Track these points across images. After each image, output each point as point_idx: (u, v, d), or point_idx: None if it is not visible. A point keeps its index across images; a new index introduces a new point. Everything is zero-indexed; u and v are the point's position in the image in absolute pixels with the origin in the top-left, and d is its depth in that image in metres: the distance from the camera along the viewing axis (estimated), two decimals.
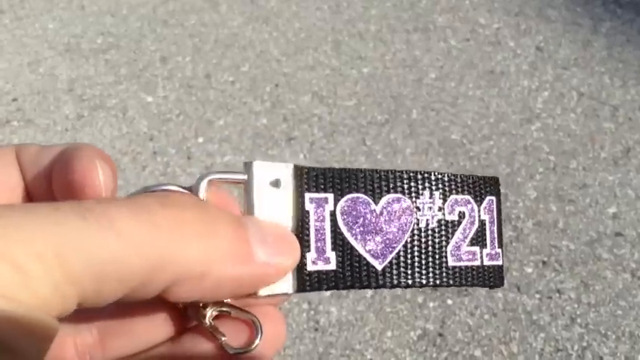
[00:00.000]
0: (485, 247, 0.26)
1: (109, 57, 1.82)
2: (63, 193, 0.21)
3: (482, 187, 0.26)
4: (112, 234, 0.17)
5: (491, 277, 0.26)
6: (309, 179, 0.23)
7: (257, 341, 0.22)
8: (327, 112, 1.59)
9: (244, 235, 0.20)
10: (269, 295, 0.22)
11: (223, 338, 0.22)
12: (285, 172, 0.23)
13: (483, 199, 0.26)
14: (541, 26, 1.84)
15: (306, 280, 0.22)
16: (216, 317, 0.22)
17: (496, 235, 0.26)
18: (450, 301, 1.17)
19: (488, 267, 0.26)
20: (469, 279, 0.25)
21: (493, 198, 0.26)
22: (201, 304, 0.22)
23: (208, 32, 1.89)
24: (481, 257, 0.26)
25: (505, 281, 0.27)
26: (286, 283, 0.22)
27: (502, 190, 1.36)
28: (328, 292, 1.19)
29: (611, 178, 1.38)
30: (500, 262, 0.26)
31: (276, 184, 0.22)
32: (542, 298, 1.17)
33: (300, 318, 1.16)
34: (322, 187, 0.23)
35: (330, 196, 0.23)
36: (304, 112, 1.60)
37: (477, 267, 0.25)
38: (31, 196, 0.23)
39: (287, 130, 1.55)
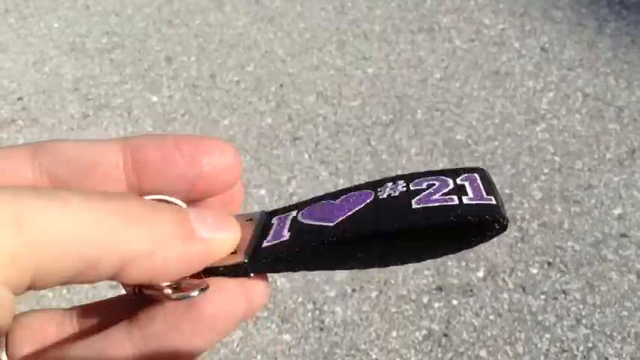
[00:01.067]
0: (466, 195, 0.21)
1: (114, 56, 1.83)
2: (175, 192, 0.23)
3: (458, 171, 0.23)
4: (68, 211, 0.19)
5: (478, 212, 0.21)
6: (277, 211, 0.24)
7: (196, 292, 0.21)
8: (331, 112, 1.59)
9: (185, 218, 0.21)
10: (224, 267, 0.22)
11: (166, 291, 0.21)
12: (260, 215, 0.25)
13: (459, 175, 0.22)
14: (546, 27, 1.83)
15: (261, 256, 0.22)
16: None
17: (483, 189, 0.21)
18: (455, 302, 1.17)
19: (472, 204, 0.21)
20: (442, 215, 0.21)
21: (474, 174, 0.22)
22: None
23: (213, 32, 1.90)
24: (460, 199, 0.21)
25: (506, 216, 0.21)
26: (239, 258, 0.22)
27: (507, 191, 1.36)
28: (333, 292, 1.20)
29: (616, 179, 1.38)
30: (491, 202, 0.21)
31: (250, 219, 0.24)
32: (548, 298, 1.17)
33: (305, 318, 1.16)
34: (288, 210, 0.24)
35: (295, 212, 0.24)
36: (309, 112, 1.60)
37: (454, 205, 0.21)
38: None
39: (292, 130, 1.55)
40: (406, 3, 1.97)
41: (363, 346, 1.12)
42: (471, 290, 1.19)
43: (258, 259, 0.22)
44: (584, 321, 1.13)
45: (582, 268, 1.21)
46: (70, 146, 0.23)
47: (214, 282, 0.22)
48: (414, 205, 0.21)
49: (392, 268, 1.22)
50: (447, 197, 0.21)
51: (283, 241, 0.22)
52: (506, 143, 1.48)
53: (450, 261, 1.24)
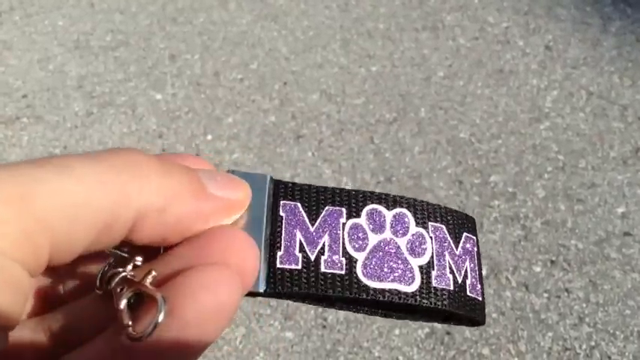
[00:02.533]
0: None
1: (119, 54, 1.83)
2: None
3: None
4: (73, 179, 0.18)
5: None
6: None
7: (150, 328, 0.19)
8: (335, 110, 1.60)
9: (195, 175, 0.21)
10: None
11: (128, 325, 0.19)
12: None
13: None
14: (550, 25, 1.83)
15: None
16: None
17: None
18: None
19: (471, 301, 0.25)
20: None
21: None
22: (119, 289, 0.20)
23: (217, 30, 1.90)
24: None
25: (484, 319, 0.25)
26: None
27: (510, 189, 1.36)
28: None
29: (620, 177, 1.38)
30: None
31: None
32: (551, 297, 1.17)
33: (308, 315, 1.16)
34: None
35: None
36: (313, 110, 1.60)
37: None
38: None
39: (295, 128, 1.55)
40: (410, 1, 1.97)
41: (365, 344, 1.12)
42: None
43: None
44: (587, 319, 1.13)
45: (585, 267, 1.21)
46: None
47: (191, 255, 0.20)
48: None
49: None
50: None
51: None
52: (509, 141, 1.47)
53: None
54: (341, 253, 0.23)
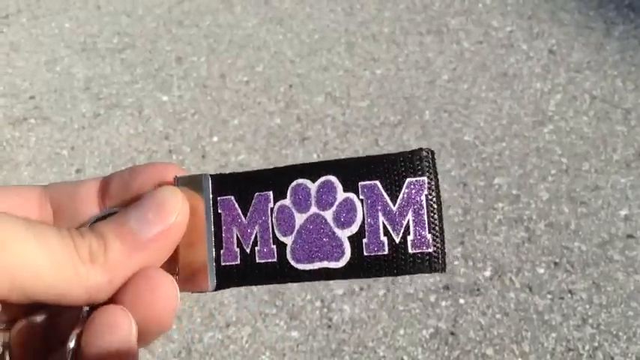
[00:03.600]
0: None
1: (125, 56, 1.85)
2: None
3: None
4: (45, 247, 0.21)
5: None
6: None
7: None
8: (340, 113, 1.61)
9: (128, 228, 0.23)
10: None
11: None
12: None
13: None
14: (554, 29, 1.84)
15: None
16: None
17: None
18: (462, 301, 1.18)
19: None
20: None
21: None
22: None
23: (223, 33, 1.91)
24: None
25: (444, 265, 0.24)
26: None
27: (514, 192, 1.37)
28: (341, 290, 1.21)
29: (623, 180, 1.39)
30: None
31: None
32: (554, 298, 1.18)
33: (314, 315, 1.17)
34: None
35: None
36: (318, 112, 1.61)
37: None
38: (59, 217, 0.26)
39: (301, 130, 1.57)
40: (415, 5, 1.99)
41: (370, 344, 1.13)
42: (478, 289, 1.20)
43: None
44: (590, 320, 1.14)
45: (589, 269, 1.22)
46: (62, 184, 0.27)
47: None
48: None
49: None
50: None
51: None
52: (513, 144, 1.49)
53: (457, 260, 1.25)
54: (272, 241, 0.25)
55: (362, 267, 0.24)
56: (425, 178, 0.24)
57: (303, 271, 0.24)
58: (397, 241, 0.24)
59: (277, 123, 1.59)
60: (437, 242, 0.24)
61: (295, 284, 1.22)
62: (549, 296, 1.18)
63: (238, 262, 0.25)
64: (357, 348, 1.12)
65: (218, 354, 1.12)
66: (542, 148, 1.47)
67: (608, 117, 1.55)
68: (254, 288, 1.21)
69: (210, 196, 0.25)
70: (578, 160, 1.44)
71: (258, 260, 0.25)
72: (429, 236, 0.24)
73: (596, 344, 1.10)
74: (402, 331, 1.14)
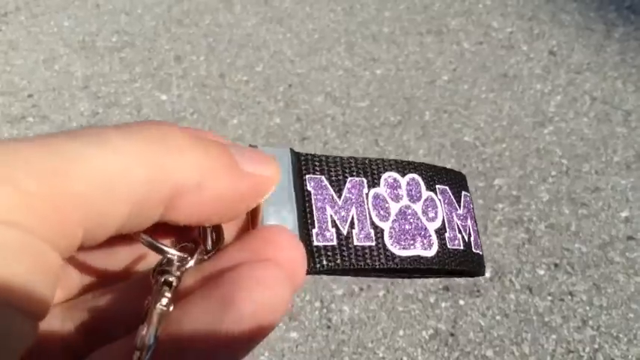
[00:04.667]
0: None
1: (124, 55, 1.84)
2: None
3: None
4: (108, 149, 0.17)
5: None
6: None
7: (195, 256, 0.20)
8: (340, 113, 1.60)
9: (228, 150, 0.20)
10: None
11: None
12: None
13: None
14: (554, 31, 1.84)
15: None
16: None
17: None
18: (462, 302, 1.18)
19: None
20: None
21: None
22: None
23: (223, 32, 1.91)
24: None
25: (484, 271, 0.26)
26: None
27: (514, 193, 1.37)
28: (340, 291, 1.20)
29: (623, 182, 1.39)
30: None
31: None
32: (554, 300, 1.17)
33: (313, 316, 1.17)
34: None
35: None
36: (317, 112, 1.61)
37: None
38: None
39: (300, 130, 1.56)
40: (415, 5, 1.98)
41: (369, 345, 1.13)
42: (478, 291, 1.19)
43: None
44: (590, 322, 1.14)
45: (589, 270, 1.22)
46: None
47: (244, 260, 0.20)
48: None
49: None
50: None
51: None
52: (513, 145, 1.48)
53: None
54: (369, 225, 0.24)
55: (447, 258, 0.25)
56: (469, 194, 0.27)
57: (399, 256, 0.24)
58: (467, 240, 0.26)
59: (277, 123, 1.59)
60: (482, 249, 0.27)
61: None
62: (549, 298, 1.18)
63: (335, 242, 0.23)
64: (356, 349, 1.12)
65: None
66: (542, 150, 1.47)
67: (608, 118, 1.55)
68: None
69: (296, 173, 0.24)
70: (579, 161, 1.44)
71: (356, 242, 0.24)
72: (479, 241, 0.26)
73: (596, 346, 1.10)
74: (401, 332, 1.14)
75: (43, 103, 1.68)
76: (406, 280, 1.22)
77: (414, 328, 1.14)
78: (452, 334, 1.13)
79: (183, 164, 0.18)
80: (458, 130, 1.53)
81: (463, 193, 0.27)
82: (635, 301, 1.16)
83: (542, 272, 1.22)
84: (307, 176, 0.24)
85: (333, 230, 0.24)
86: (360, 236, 0.24)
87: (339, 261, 0.23)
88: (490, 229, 1.30)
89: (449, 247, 0.25)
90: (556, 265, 1.23)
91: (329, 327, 1.15)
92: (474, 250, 0.26)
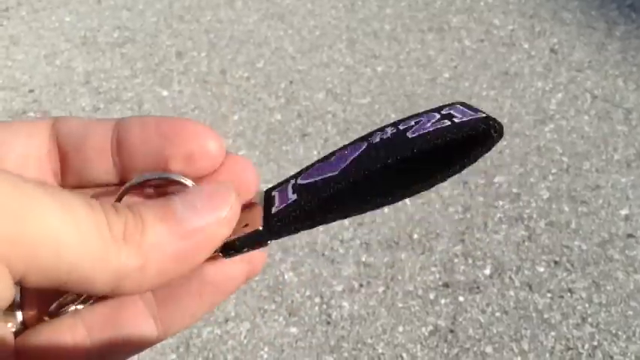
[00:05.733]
0: (456, 117, 0.22)
1: (125, 51, 1.84)
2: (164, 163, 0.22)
3: (442, 106, 0.23)
4: (70, 220, 0.18)
5: (474, 124, 0.21)
6: (275, 188, 0.25)
7: None
8: (341, 110, 1.60)
9: (171, 211, 0.20)
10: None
11: None
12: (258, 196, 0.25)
13: (442, 108, 0.23)
14: (556, 29, 1.84)
15: (274, 221, 0.22)
16: None
17: (469, 110, 0.22)
18: (461, 298, 1.18)
19: (464, 120, 0.22)
20: (440, 135, 0.21)
21: (457, 105, 0.23)
22: None
23: (224, 28, 1.91)
24: (452, 121, 0.22)
25: (499, 123, 0.22)
26: (253, 227, 0.22)
27: (515, 190, 1.37)
28: (340, 287, 1.20)
29: (623, 180, 1.39)
30: (481, 115, 0.22)
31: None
32: (554, 297, 1.17)
33: (313, 311, 1.17)
34: (286, 181, 0.25)
35: (292, 180, 0.24)
36: (318, 109, 1.61)
37: (448, 126, 0.22)
38: (67, 168, 0.23)
39: (301, 127, 1.56)
40: (416, 2, 1.98)
41: (369, 341, 1.13)
42: (478, 287, 1.20)
43: (272, 224, 0.22)
44: (589, 319, 1.14)
45: (588, 268, 1.22)
46: (76, 122, 0.23)
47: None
48: (410, 136, 0.22)
49: (399, 264, 1.23)
50: (438, 123, 0.22)
51: (291, 202, 0.22)
52: (514, 143, 1.48)
53: (457, 258, 1.24)
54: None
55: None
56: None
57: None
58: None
59: (278, 119, 1.59)
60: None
61: (295, 280, 1.22)
62: (549, 295, 1.18)
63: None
64: (355, 345, 1.12)
65: (216, 349, 1.12)
66: (542, 147, 1.47)
67: (609, 116, 1.55)
68: (253, 283, 1.21)
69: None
70: (579, 159, 1.44)
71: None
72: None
73: (595, 343, 1.10)
74: (401, 329, 1.14)
75: (44, 99, 1.68)
76: (406, 276, 1.22)
77: (414, 324, 1.15)
78: (451, 331, 1.13)
79: (126, 254, 0.19)
80: None
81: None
82: (634, 299, 1.16)
83: (541, 269, 1.22)
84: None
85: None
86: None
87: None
88: (490, 226, 1.30)
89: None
90: (556, 263, 1.23)
91: (328, 323, 1.15)
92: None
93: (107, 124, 0.23)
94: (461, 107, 0.23)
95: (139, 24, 1.94)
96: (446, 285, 1.20)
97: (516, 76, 1.68)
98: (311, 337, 1.13)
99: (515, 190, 1.37)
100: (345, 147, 0.24)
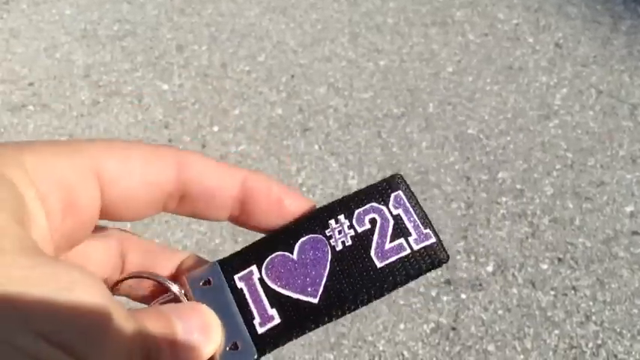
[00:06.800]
0: (410, 235, 0.26)
1: (126, 44, 1.82)
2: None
3: (383, 189, 0.27)
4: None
5: (428, 258, 0.25)
6: (232, 264, 0.26)
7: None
8: (342, 104, 1.59)
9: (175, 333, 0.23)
10: None
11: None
12: (213, 270, 0.26)
13: (389, 198, 0.26)
14: (560, 23, 1.82)
15: (263, 342, 0.25)
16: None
17: (417, 219, 0.26)
18: (463, 295, 1.16)
19: (421, 249, 0.25)
20: (404, 271, 0.25)
21: (399, 192, 0.26)
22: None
23: (225, 22, 1.89)
24: (409, 245, 0.25)
25: (448, 254, 0.26)
26: (247, 354, 0.25)
27: (518, 186, 1.35)
28: None
29: (629, 176, 1.37)
30: (432, 240, 0.26)
31: (208, 282, 0.26)
32: (557, 294, 1.16)
33: None
34: (245, 264, 0.26)
35: (254, 267, 0.26)
36: (320, 103, 1.59)
37: (408, 255, 0.25)
38: (185, 202, 0.26)
39: (302, 121, 1.54)
40: None
41: (370, 338, 1.11)
42: (480, 284, 1.18)
43: (263, 348, 0.25)
44: (593, 318, 1.12)
45: (593, 265, 1.20)
46: (203, 164, 0.25)
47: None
48: (379, 264, 0.25)
49: None
50: (397, 245, 0.25)
51: (277, 324, 0.25)
52: (518, 138, 1.46)
53: (460, 255, 1.23)
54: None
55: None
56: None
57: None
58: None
59: (279, 113, 1.57)
60: (435, 232, 0.26)
61: None
62: (552, 292, 1.16)
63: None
64: (356, 342, 1.11)
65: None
66: (547, 143, 1.45)
67: (614, 112, 1.53)
68: None
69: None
70: (584, 155, 1.42)
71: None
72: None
73: (599, 342, 1.09)
74: (402, 326, 1.13)
75: (43, 92, 1.66)
76: None
77: (415, 321, 1.13)
78: (453, 328, 1.12)
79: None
80: (462, 122, 1.52)
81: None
82: (639, 297, 1.15)
83: (545, 267, 1.20)
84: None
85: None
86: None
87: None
88: (493, 222, 1.28)
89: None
90: (559, 260, 1.22)
91: None
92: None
93: (236, 176, 0.26)
94: (406, 201, 0.26)
95: (139, 17, 1.92)
96: (448, 282, 1.19)
97: (520, 71, 1.66)
98: (311, 334, 1.12)
99: (518, 186, 1.35)
100: (302, 227, 0.26)
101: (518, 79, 1.63)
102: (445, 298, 1.16)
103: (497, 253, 1.23)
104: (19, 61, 1.76)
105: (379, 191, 0.26)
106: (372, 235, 0.26)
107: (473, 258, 1.22)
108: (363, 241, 0.26)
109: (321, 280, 0.25)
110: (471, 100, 1.57)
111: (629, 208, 1.30)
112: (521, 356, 1.07)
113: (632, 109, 1.53)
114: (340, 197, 0.27)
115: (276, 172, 1.41)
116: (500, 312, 1.14)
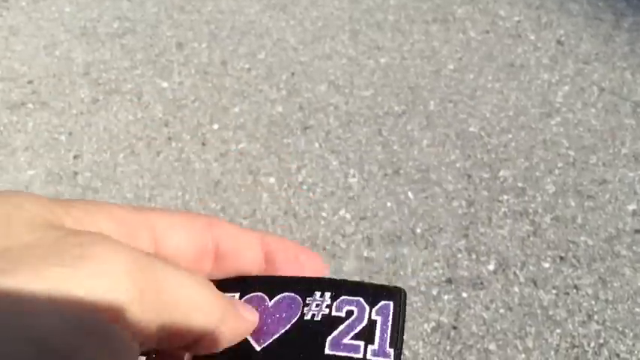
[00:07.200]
0: (372, 344, 0.25)
1: (125, 42, 1.82)
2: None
3: (379, 293, 0.26)
4: (194, 280, 0.23)
5: None
6: (224, 285, 0.27)
7: None
8: (343, 102, 1.58)
9: (234, 304, 0.25)
10: None
11: None
12: None
13: (377, 303, 0.26)
14: (562, 20, 1.81)
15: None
16: None
17: (389, 335, 0.25)
18: (464, 294, 1.16)
19: None
20: None
21: (390, 303, 0.26)
22: None
23: (225, 19, 1.88)
24: (364, 351, 0.25)
25: None
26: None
27: (520, 184, 1.34)
28: None
29: (631, 174, 1.36)
30: None
31: None
32: (559, 293, 1.15)
33: None
34: (231, 289, 0.27)
35: (237, 294, 0.27)
36: (320, 101, 1.59)
37: (358, 359, 0.25)
38: (218, 266, 0.27)
39: (303, 119, 1.54)
40: None
41: None
42: (481, 283, 1.17)
43: None
44: (595, 317, 1.11)
45: (595, 264, 1.20)
46: (232, 229, 0.27)
47: None
48: (327, 351, 0.25)
49: (401, 259, 1.21)
50: (355, 345, 0.25)
51: (214, 356, 0.25)
52: (520, 136, 1.46)
53: (461, 253, 1.22)
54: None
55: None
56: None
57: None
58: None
59: (279, 111, 1.56)
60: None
61: None
62: (554, 291, 1.15)
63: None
64: None
65: None
66: (548, 141, 1.44)
67: (616, 109, 1.52)
68: None
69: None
70: (586, 153, 1.41)
71: None
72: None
73: (601, 341, 1.08)
74: None
75: (43, 90, 1.65)
76: (409, 272, 1.20)
77: (416, 320, 1.13)
78: (454, 327, 1.11)
79: (222, 310, 0.23)
80: (463, 120, 1.51)
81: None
82: None
83: (547, 265, 1.20)
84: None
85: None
86: None
87: None
88: (494, 220, 1.28)
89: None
90: (561, 258, 1.21)
91: None
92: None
93: (255, 238, 0.27)
94: (391, 314, 0.26)
95: (139, 14, 1.92)
96: (449, 281, 1.18)
97: (522, 68, 1.65)
98: None
99: (520, 185, 1.35)
100: (290, 284, 0.27)
101: (520, 77, 1.62)
102: (446, 297, 1.16)
103: (498, 251, 1.22)
104: (18, 59, 1.76)
105: (374, 293, 0.26)
106: (340, 324, 0.25)
107: (474, 256, 1.21)
108: (329, 323, 0.26)
109: (275, 335, 0.26)
110: (473, 98, 1.56)
111: (631, 207, 1.29)
112: (523, 355, 1.07)
113: (635, 107, 1.52)
114: (342, 279, 0.27)
115: (277, 170, 1.40)
116: (501, 311, 1.13)
